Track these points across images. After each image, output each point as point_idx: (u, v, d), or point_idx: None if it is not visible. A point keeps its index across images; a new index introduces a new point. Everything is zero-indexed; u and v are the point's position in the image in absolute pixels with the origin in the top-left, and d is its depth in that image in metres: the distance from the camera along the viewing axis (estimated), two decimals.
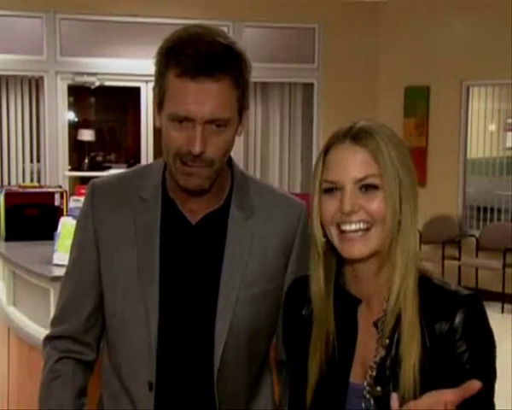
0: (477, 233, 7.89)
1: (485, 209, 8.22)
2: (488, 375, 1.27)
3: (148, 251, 1.55)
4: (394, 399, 1.16)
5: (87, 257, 1.61)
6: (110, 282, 1.58)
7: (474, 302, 1.29)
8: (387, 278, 1.32)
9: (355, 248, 1.30)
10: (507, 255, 7.38)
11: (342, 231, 1.30)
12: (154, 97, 1.51)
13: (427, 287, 1.31)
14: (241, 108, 1.50)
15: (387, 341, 1.31)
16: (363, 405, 1.32)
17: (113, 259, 1.58)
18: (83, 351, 1.64)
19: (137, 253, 1.55)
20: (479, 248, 7.79)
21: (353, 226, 1.29)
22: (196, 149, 1.42)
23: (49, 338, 1.67)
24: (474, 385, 1.11)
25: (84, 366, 1.65)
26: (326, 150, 1.33)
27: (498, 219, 8.18)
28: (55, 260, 3.17)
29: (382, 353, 1.31)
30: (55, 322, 1.68)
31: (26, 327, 3.33)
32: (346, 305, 1.37)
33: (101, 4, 7.46)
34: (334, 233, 1.32)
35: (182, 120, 1.43)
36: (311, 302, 1.39)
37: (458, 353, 1.26)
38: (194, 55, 1.40)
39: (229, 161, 1.61)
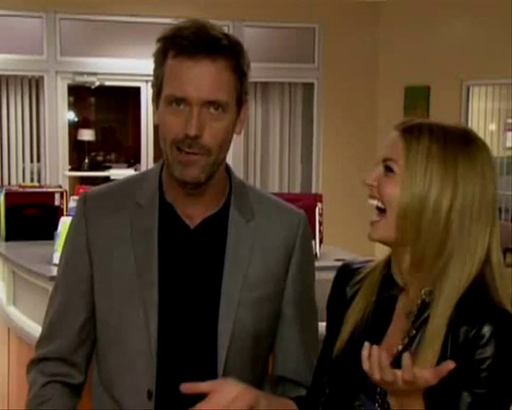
0: None
1: None
2: (499, 389, 1.27)
3: (146, 255, 1.51)
4: (406, 357, 1.17)
5: (79, 266, 1.56)
6: (105, 288, 1.54)
7: (508, 318, 1.29)
8: (426, 274, 1.34)
9: (372, 232, 1.38)
10: (507, 255, 7.37)
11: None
12: (153, 91, 1.50)
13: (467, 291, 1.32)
14: (240, 99, 1.48)
15: (414, 331, 1.33)
16: (378, 389, 1.34)
17: (108, 264, 1.54)
18: (71, 373, 1.58)
19: (135, 257, 1.52)
20: None
21: (373, 202, 1.37)
22: (193, 130, 1.40)
23: (34, 361, 1.61)
24: (448, 365, 1.16)
25: (72, 389, 1.59)
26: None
27: (499, 219, 8.17)
28: (55, 260, 3.17)
29: (405, 343, 1.34)
30: (41, 343, 1.61)
31: (26, 327, 3.33)
32: (389, 290, 1.42)
33: (101, 4, 7.45)
34: None
35: (179, 103, 1.42)
36: (356, 284, 1.46)
37: (478, 359, 1.26)
38: (192, 37, 1.41)
39: (228, 170, 1.59)
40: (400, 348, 1.34)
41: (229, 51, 1.44)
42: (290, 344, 1.60)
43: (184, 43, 1.41)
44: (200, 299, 1.52)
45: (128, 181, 1.65)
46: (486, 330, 1.26)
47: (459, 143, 1.34)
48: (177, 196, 1.53)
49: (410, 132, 1.34)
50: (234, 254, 1.53)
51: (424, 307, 1.33)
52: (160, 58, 1.46)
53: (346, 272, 1.51)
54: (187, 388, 1.34)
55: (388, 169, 1.35)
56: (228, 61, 1.44)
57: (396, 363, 1.31)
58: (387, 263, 1.44)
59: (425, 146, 1.32)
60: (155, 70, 1.48)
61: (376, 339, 1.38)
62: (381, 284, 1.43)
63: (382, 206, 1.36)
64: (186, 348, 1.51)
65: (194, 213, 1.54)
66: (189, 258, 1.53)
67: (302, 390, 1.55)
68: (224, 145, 1.48)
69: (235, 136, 1.53)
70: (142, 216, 1.54)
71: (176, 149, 1.44)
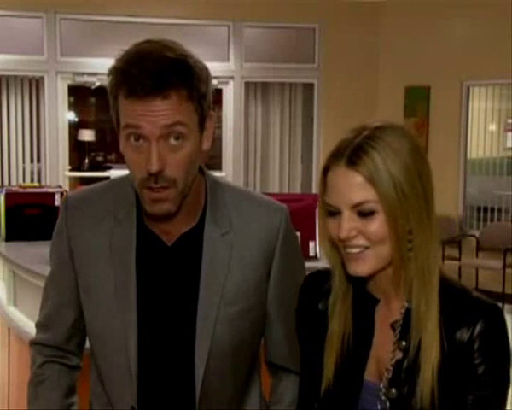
0: (477, 233, 7.89)
1: (485, 209, 8.22)
2: (500, 387, 1.28)
3: (125, 275, 1.51)
4: None
5: (65, 274, 1.59)
6: (89, 303, 1.57)
7: (495, 313, 1.28)
8: (406, 282, 1.31)
9: (357, 268, 1.29)
10: (507, 255, 7.37)
11: (347, 252, 1.30)
12: (113, 119, 1.47)
13: (448, 293, 1.30)
14: (202, 119, 1.44)
15: (404, 343, 1.30)
16: (378, 406, 1.32)
17: (90, 281, 1.55)
18: (67, 356, 1.65)
19: (114, 277, 1.52)
20: (479, 248, 7.79)
21: (354, 250, 1.28)
22: (153, 167, 1.37)
23: (34, 342, 1.67)
24: None
25: (69, 368, 1.65)
26: (325, 171, 1.31)
27: (498, 219, 8.17)
28: None
29: (399, 355, 1.31)
30: (39, 328, 1.67)
31: (27, 327, 3.32)
32: (365, 303, 1.37)
33: (101, 4, 7.46)
34: (342, 251, 1.32)
35: (137, 138, 1.39)
36: (328, 297, 1.39)
37: (475, 364, 1.26)
38: (140, 75, 1.36)
39: (201, 170, 1.55)
40: (394, 361, 1.31)
41: (179, 82, 1.37)
42: (277, 338, 1.61)
43: (134, 85, 1.37)
44: (178, 319, 1.52)
45: (107, 188, 1.62)
46: (477, 332, 1.26)
47: (400, 145, 1.28)
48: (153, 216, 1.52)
49: (360, 162, 1.25)
50: (210, 272, 1.51)
51: (408, 314, 1.31)
52: (114, 91, 1.44)
53: (313, 286, 1.45)
54: None
55: (368, 213, 1.25)
56: (180, 92, 1.38)
57: (396, 377, 1.31)
58: (354, 277, 1.36)
59: (385, 168, 1.24)
60: (111, 102, 1.46)
61: (363, 354, 1.36)
62: (354, 300, 1.37)
63: (368, 247, 1.28)
64: (165, 368, 1.52)
65: (170, 229, 1.52)
66: (167, 277, 1.52)
67: (293, 377, 1.57)
68: (190, 171, 1.44)
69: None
70: (120, 232, 1.53)
71: (144, 188, 1.42)
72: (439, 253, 1.33)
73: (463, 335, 1.26)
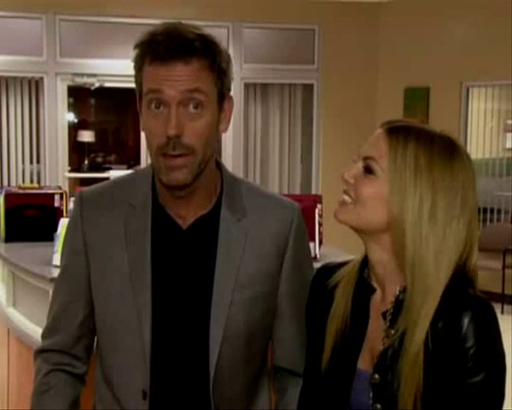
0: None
1: (485, 209, 8.20)
2: (495, 374, 1.27)
3: (140, 257, 1.53)
4: None
5: (77, 267, 1.59)
6: (101, 290, 1.57)
7: (484, 307, 1.28)
8: (399, 273, 1.33)
9: (336, 213, 1.36)
10: (507, 256, 7.37)
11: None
12: (137, 97, 1.53)
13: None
14: (221, 96, 1.49)
15: (393, 332, 1.32)
16: (371, 394, 1.33)
17: (103, 266, 1.56)
18: (73, 363, 1.64)
19: (128, 259, 1.54)
20: (479, 248, 7.76)
21: (343, 196, 1.36)
22: (172, 130, 1.41)
23: (39, 351, 1.67)
24: None
25: (75, 378, 1.64)
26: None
27: (498, 220, 8.17)
28: (55, 262, 3.17)
29: (388, 343, 1.33)
30: (45, 334, 1.67)
31: (26, 328, 3.33)
32: (362, 291, 1.40)
33: (100, 5, 7.46)
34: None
35: (158, 106, 1.45)
36: (334, 289, 1.44)
37: (462, 350, 1.25)
38: (165, 42, 1.43)
39: (219, 166, 1.59)
40: (382, 348, 1.33)
41: (202, 52, 1.45)
42: (286, 337, 1.62)
43: (158, 49, 1.43)
44: (193, 302, 1.53)
45: (122, 182, 1.65)
46: (465, 320, 1.25)
47: (445, 154, 1.31)
48: (169, 197, 1.54)
49: (396, 134, 1.31)
50: (225, 256, 1.53)
51: (399, 304, 1.32)
52: (138, 64, 1.49)
53: (324, 275, 1.49)
54: None
55: (368, 170, 1.32)
56: (202, 61, 1.45)
57: (381, 363, 1.32)
58: (361, 265, 1.42)
59: (412, 153, 1.29)
60: (135, 76, 1.51)
61: (358, 342, 1.38)
62: (355, 287, 1.41)
63: (351, 200, 1.35)
64: (179, 351, 1.53)
65: (185, 213, 1.54)
66: (182, 260, 1.54)
67: (299, 380, 1.56)
68: (209, 143, 1.48)
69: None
70: (135, 217, 1.56)
71: (162, 155, 1.46)
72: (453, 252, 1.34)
73: (448, 325, 1.26)
